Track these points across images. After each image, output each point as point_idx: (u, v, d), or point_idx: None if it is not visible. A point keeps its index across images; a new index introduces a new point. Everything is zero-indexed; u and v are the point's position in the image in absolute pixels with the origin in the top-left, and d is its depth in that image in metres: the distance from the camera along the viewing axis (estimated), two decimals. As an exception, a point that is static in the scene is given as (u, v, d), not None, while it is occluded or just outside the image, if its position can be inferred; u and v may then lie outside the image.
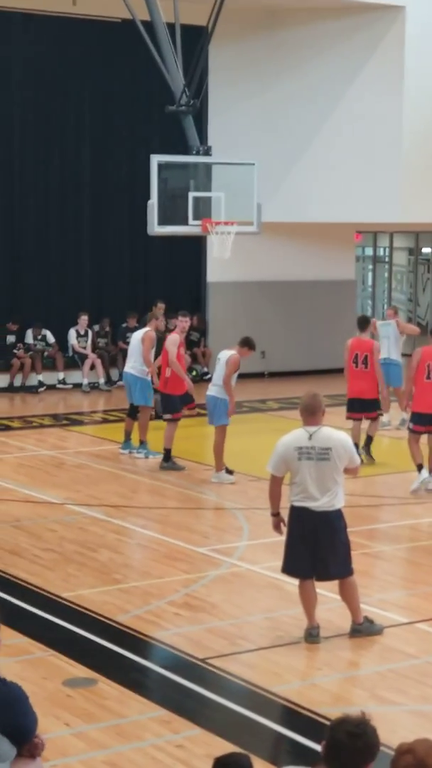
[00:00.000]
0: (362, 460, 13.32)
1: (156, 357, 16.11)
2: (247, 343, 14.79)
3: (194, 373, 22.82)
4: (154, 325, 16.30)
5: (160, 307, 19.51)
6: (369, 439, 15.66)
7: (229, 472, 14.73)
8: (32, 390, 22.17)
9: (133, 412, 16.32)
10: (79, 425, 19.02)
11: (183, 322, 16.03)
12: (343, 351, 15.62)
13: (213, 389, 14.78)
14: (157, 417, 18.13)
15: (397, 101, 21.27)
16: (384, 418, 17.48)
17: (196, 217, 16.92)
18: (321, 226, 23.90)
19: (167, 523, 12.63)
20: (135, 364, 16.00)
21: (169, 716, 7.57)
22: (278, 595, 10.03)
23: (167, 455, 15.31)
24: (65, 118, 22.87)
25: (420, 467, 14.07)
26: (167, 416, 15.37)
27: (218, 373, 14.74)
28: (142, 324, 20.98)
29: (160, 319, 16.90)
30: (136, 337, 16.19)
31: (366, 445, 15.54)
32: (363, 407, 15.60)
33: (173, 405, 15.41)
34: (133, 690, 7.99)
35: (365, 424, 15.68)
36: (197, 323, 23.87)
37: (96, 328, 23.24)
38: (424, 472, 14.00)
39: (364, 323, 15.99)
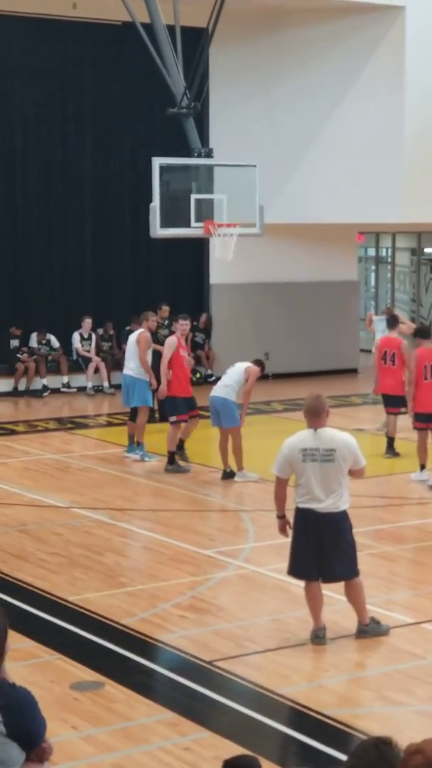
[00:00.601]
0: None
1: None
2: (261, 364, 15.05)
3: (198, 375, 22.84)
4: (146, 325, 16.33)
5: (165, 310, 19.51)
6: (390, 440, 15.97)
7: (231, 474, 14.74)
8: (37, 394, 22.18)
9: (134, 415, 16.32)
10: (83, 429, 19.02)
11: (183, 325, 15.98)
12: (373, 349, 15.59)
13: (221, 391, 14.76)
14: (161, 420, 18.17)
15: (398, 101, 21.26)
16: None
17: (198, 219, 16.94)
18: (323, 227, 23.90)
19: (173, 526, 12.63)
20: (133, 365, 16.00)
21: (176, 719, 7.57)
22: (284, 596, 10.03)
23: (171, 458, 15.32)
24: (66, 121, 22.88)
25: (423, 466, 14.51)
26: (172, 419, 15.37)
27: (231, 379, 14.79)
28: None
29: (152, 319, 16.84)
30: (131, 340, 16.19)
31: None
32: (389, 403, 15.89)
33: (177, 407, 15.40)
34: (140, 693, 7.99)
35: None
36: (204, 325, 23.88)
37: (100, 331, 23.26)
38: (425, 473, 14.51)
39: (393, 322, 16.14)
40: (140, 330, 16.21)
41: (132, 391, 16.04)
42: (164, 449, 15.51)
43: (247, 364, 14.95)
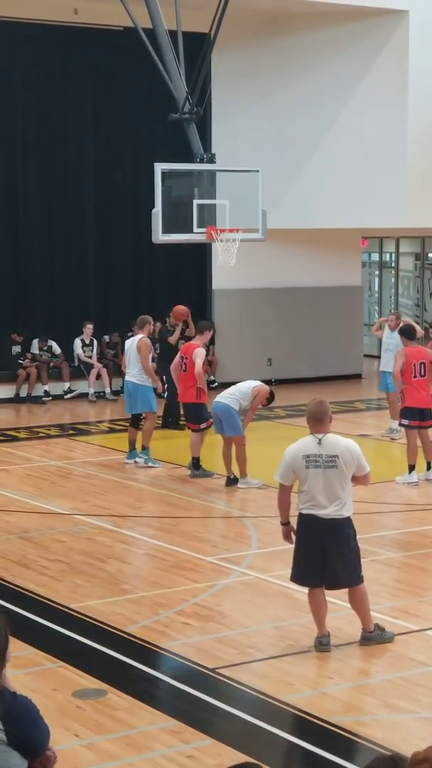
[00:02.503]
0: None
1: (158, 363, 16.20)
2: (271, 392, 15.09)
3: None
4: (147, 330, 16.32)
5: (156, 325, 19.44)
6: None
7: (234, 480, 14.72)
8: (38, 400, 22.15)
9: (135, 421, 16.29)
10: (85, 435, 18.98)
11: (206, 335, 16.07)
12: (397, 360, 15.17)
13: (225, 399, 14.74)
14: (164, 426, 18.15)
15: (402, 106, 21.24)
16: (393, 425, 17.68)
17: (200, 225, 16.89)
18: (326, 232, 23.87)
19: (175, 533, 12.58)
20: (135, 372, 15.97)
21: (179, 726, 7.53)
22: (288, 603, 9.98)
23: (197, 464, 15.35)
24: (68, 126, 22.87)
25: (412, 468, 14.73)
26: (203, 425, 15.39)
27: (239, 390, 14.81)
28: (158, 335, 20.95)
29: (152, 324, 16.87)
30: (132, 346, 16.15)
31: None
32: (425, 416, 15.16)
33: (204, 414, 15.41)
34: (143, 701, 7.94)
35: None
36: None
37: (106, 338, 23.24)
38: (414, 475, 14.73)
39: (412, 333, 15.64)
40: (140, 336, 16.18)
41: (135, 397, 16.01)
42: (168, 456, 15.48)
43: (259, 383, 15.04)
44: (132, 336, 21.49)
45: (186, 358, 15.48)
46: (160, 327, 20.32)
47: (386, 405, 18.96)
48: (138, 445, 16.12)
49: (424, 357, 15.04)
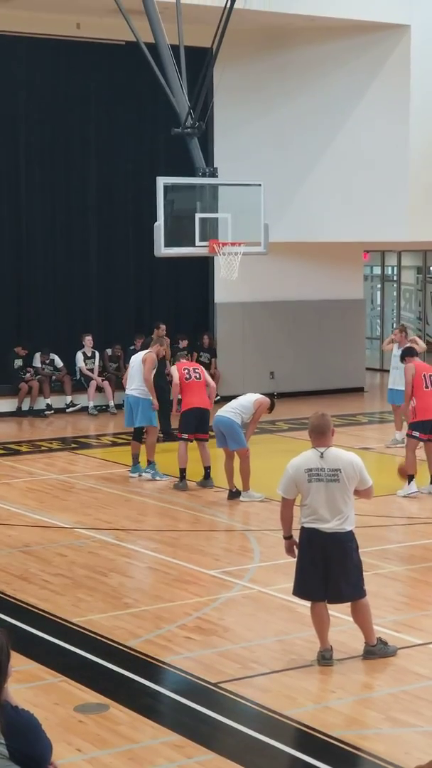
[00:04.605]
0: None
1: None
2: (271, 402, 15.13)
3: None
4: (156, 349, 16.36)
5: (162, 328, 19.47)
6: None
7: (237, 493, 14.72)
8: (40, 414, 22.14)
9: (138, 435, 16.30)
10: (87, 449, 18.98)
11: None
12: (406, 374, 15.14)
13: (228, 413, 14.75)
14: (166, 438, 18.16)
15: (404, 120, 21.29)
16: (398, 435, 17.75)
17: (203, 239, 16.92)
18: (329, 245, 23.90)
19: (178, 546, 12.57)
20: (138, 385, 15.99)
21: (182, 741, 7.50)
22: (291, 617, 9.96)
23: (208, 473, 15.50)
24: (70, 141, 22.92)
25: (411, 478, 14.72)
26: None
27: (241, 405, 14.85)
28: (144, 347, 21.10)
29: (164, 346, 16.93)
30: (137, 360, 16.19)
31: None
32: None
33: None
34: (145, 715, 7.92)
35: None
36: (208, 344, 23.85)
37: (108, 352, 23.26)
38: (413, 485, 14.73)
39: (414, 350, 15.63)
40: (148, 350, 16.25)
41: (136, 410, 16.02)
42: (169, 470, 15.47)
43: (260, 396, 15.03)
44: (133, 349, 21.70)
45: (197, 369, 15.73)
46: (148, 339, 20.65)
47: (390, 418, 18.95)
48: (143, 460, 16.12)
49: None
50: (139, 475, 16.08)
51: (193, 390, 15.51)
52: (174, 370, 15.83)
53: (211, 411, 15.61)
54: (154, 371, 16.26)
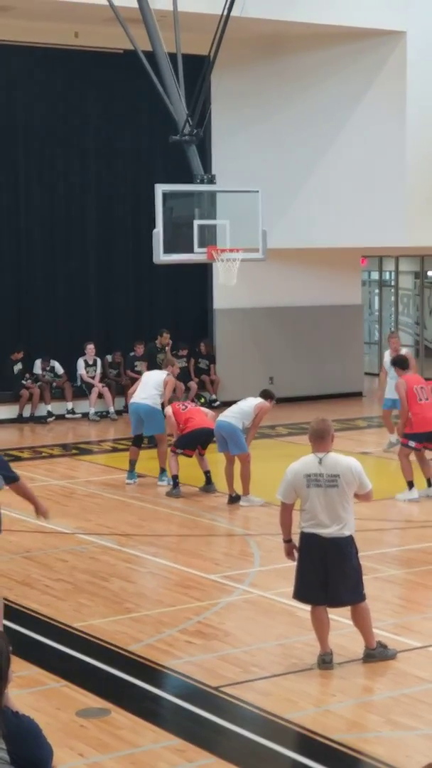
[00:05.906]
0: None
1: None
2: (271, 395, 15.23)
3: (203, 400, 22.84)
4: (173, 371, 16.49)
5: (166, 336, 19.57)
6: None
7: (237, 498, 14.77)
8: (41, 420, 22.19)
9: (138, 441, 16.34)
10: (88, 455, 19.02)
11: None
12: (398, 390, 15.19)
13: (229, 418, 14.82)
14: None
15: (401, 125, 21.35)
16: (392, 438, 17.81)
17: (201, 245, 16.99)
18: (326, 251, 23.95)
19: (178, 551, 12.61)
20: (150, 395, 15.99)
21: (183, 745, 7.54)
22: (291, 621, 10.00)
23: (209, 478, 15.57)
24: (69, 149, 22.97)
25: (411, 484, 14.80)
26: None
27: (241, 410, 14.91)
28: (147, 352, 21.21)
29: (175, 366, 17.01)
30: (157, 377, 16.22)
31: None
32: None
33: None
34: (146, 719, 7.96)
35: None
36: (206, 350, 23.89)
37: (109, 358, 23.30)
38: (414, 491, 14.80)
39: (405, 362, 15.63)
40: (167, 374, 16.29)
41: (149, 419, 16.02)
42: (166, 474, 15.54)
43: (259, 400, 15.06)
44: (133, 355, 21.76)
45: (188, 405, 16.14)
46: (150, 345, 20.73)
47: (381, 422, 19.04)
48: (148, 468, 16.18)
49: (422, 381, 15.22)
50: (134, 482, 16.14)
51: (194, 416, 15.60)
52: (169, 410, 15.78)
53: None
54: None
